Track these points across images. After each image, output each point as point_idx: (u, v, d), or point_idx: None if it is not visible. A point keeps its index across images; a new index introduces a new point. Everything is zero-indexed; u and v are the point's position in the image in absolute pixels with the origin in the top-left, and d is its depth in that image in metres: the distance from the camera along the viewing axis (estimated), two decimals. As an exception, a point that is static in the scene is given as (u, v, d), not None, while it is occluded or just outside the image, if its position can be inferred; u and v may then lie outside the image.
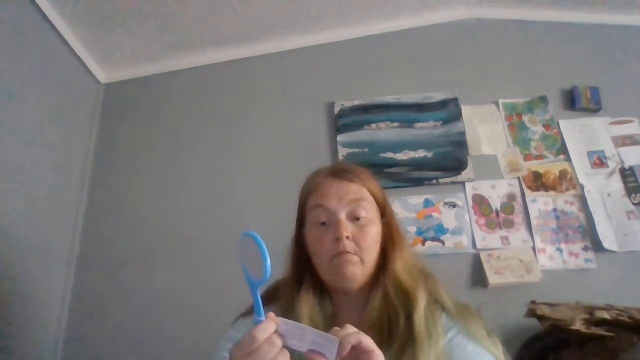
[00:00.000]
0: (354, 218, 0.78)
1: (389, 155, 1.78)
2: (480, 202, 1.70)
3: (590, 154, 1.76)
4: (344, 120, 1.85)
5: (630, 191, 1.68)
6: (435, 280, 0.79)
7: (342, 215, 0.77)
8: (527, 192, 1.70)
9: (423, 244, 1.64)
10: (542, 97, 1.85)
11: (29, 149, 1.53)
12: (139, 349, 1.57)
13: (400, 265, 0.77)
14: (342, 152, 1.79)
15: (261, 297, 0.61)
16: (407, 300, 0.73)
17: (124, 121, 1.94)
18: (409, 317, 0.71)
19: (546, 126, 1.81)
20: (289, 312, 0.74)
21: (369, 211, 0.80)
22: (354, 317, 0.74)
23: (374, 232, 0.78)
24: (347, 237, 0.75)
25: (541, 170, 1.74)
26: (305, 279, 0.80)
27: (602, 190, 1.69)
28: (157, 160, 1.87)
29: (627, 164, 1.73)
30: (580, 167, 1.74)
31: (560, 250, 1.61)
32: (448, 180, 1.73)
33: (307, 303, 0.76)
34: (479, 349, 0.70)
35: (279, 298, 0.80)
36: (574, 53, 1.93)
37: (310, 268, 0.81)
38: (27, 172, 1.52)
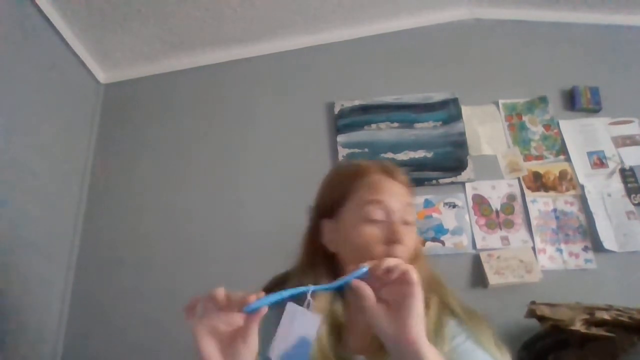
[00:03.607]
0: (404, 222, 0.74)
1: (389, 155, 1.78)
2: (480, 203, 1.70)
3: (590, 154, 1.76)
4: (344, 121, 1.85)
5: (630, 191, 1.68)
6: (445, 285, 0.78)
7: (400, 218, 0.74)
8: (527, 192, 1.70)
9: (423, 245, 1.64)
10: (542, 98, 1.85)
11: (29, 148, 1.53)
12: (140, 349, 1.57)
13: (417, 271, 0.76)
14: (342, 152, 1.79)
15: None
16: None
17: (123, 121, 1.94)
18: None
19: (546, 126, 1.81)
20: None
21: (414, 216, 0.77)
22: (364, 318, 0.73)
23: (416, 238, 0.76)
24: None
25: (541, 171, 1.74)
26: (319, 272, 0.75)
27: (602, 191, 1.69)
28: (157, 160, 1.87)
29: (627, 164, 1.73)
30: (580, 167, 1.74)
31: (560, 250, 1.61)
32: (448, 180, 1.73)
33: (321, 300, 0.71)
34: (486, 356, 0.68)
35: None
36: (574, 53, 1.93)
37: (325, 260, 0.77)
38: (26, 171, 1.51)
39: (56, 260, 1.65)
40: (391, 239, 0.71)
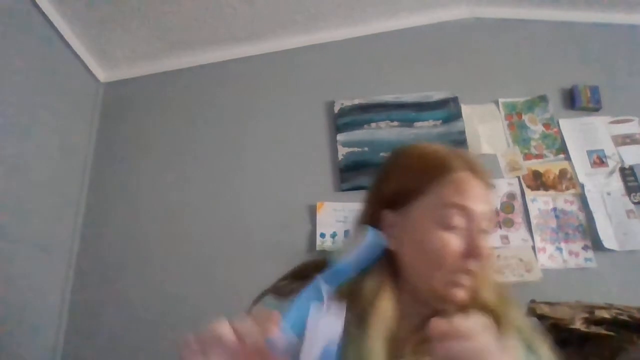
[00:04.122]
0: (483, 231, 0.64)
1: (389, 154, 1.78)
2: (480, 202, 1.70)
3: (590, 153, 1.76)
4: (344, 120, 1.85)
5: (630, 190, 1.68)
6: (514, 303, 0.68)
7: (480, 226, 0.63)
8: (527, 191, 1.70)
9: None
10: (542, 97, 1.85)
11: (28, 148, 1.53)
12: (140, 350, 1.57)
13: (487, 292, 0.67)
14: (342, 151, 1.79)
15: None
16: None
17: (123, 120, 1.94)
18: None
19: (546, 125, 1.81)
20: (359, 305, 0.61)
21: (492, 223, 0.68)
22: (414, 323, 0.64)
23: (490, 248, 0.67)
24: None
25: (541, 170, 1.74)
26: (372, 269, 0.64)
27: (602, 190, 1.69)
28: (157, 160, 1.87)
29: (627, 163, 1.73)
30: (580, 166, 1.74)
31: (560, 249, 1.61)
32: (448, 179, 1.73)
33: (388, 300, 0.61)
34: None
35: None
36: (574, 52, 1.93)
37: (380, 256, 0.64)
38: (26, 171, 1.51)
39: (56, 261, 1.65)
40: (471, 253, 0.61)
